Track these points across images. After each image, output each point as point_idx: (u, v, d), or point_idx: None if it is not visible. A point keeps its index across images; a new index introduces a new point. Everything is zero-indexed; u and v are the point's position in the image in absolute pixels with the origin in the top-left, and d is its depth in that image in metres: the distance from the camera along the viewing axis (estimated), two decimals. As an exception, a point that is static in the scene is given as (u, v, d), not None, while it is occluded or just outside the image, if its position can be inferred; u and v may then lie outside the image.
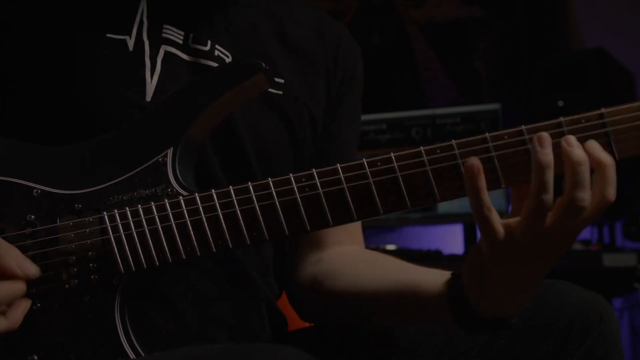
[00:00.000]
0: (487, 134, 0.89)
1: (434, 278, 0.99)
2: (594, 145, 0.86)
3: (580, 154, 0.84)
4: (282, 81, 1.12)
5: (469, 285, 0.92)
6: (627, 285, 2.54)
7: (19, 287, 0.88)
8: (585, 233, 3.07)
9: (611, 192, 0.85)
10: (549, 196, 0.83)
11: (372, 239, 3.40)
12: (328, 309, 1.15)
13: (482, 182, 0.85)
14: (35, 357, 0.90)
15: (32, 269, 0.89)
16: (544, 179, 0.84)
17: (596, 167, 0.85)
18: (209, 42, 1.08)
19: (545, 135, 0.85)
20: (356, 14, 3.79)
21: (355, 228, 1.23)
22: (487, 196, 0.85)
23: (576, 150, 0.84)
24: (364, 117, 1.29)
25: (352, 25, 3.69)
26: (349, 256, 1.16)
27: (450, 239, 3.32)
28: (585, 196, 0.83)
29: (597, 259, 2.63)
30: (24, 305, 0.89)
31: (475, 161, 0.85)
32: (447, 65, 3.67)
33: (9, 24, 1.03)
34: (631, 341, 3.16)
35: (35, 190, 0.94)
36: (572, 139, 0.85)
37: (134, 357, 0.90)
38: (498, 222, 0.86)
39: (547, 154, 0.84)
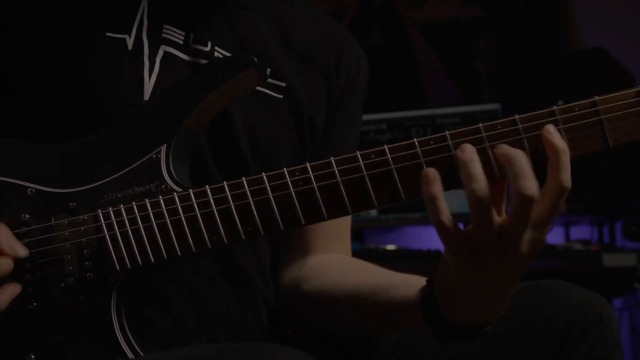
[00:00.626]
0: (480, 124, 0.88)
1: (411, 284, 0.97)
2: (551, 131, 0.84)
3: (510, 149, 0.84)
4: (283, 85, 1.11)
5: (442, 294, 0.91)
6: (627, 285, 2.54)
7: (6, 262, 0.87)
8: (585, 233, 3.06)
9: (567, 179, 0.83)
10: (481, 184, 0.82)
11: (372, 239, 3.39)
12: (306, 313, 1.15)
13: (438, 190, 0.83)
14: (33, 357, 0.90)
15: (21, 250, 0.88)
16: (468, 172, 0.83)
17: (550, 152, 0.84)
18: (209, 43, 1.07)
19: (466, 145, 0.85)
20: (356, 14, 3.78)
21: (343, 235, 1.22)
22: (444, 203, 0.83)
23: (505, 147, 0.84)
24: (364, 117, 1.28)
25: (352, 25, 3.68)
26: (332, 263, 1.15)
27: (450, 239, 3.30)
28: (530, 184, 0.81)
29: (597, 259, 2.62)
30: (12, 289, 0.88)
31: (431, 170, 0.84)
32: (447, 65, 3.66)
33: (9, 23, 1.03)
34: (631, 341, 3.16)
35: (29, 190, 0.94)
36: (503, 147, 0.85)
37: (131, 355, 0.90)
38: (456, 229, 0.84)
39: (465, 152, 0.84)
